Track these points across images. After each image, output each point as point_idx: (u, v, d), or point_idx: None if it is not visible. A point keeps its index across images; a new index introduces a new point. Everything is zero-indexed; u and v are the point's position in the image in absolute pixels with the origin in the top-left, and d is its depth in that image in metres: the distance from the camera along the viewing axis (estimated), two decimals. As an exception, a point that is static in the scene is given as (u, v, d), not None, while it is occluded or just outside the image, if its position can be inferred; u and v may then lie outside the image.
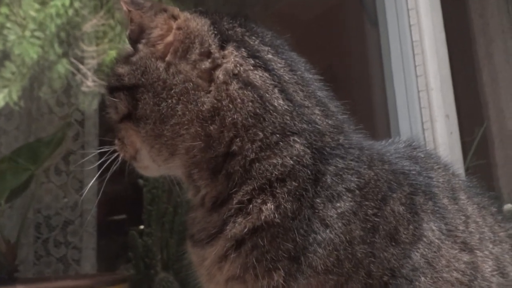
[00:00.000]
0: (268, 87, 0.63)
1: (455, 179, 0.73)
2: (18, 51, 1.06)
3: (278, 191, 0.60)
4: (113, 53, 1.14)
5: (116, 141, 0.70)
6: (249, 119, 0.61)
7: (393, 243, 0.60)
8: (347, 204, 0.60)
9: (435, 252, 0.62)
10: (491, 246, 0.67)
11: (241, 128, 0.61)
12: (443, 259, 0.62)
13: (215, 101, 0.62)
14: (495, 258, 0.66)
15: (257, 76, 0.63)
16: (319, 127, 0.63)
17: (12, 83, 1.09)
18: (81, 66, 1.20)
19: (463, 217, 0.67)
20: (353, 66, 2.15)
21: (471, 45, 2.16)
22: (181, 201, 1.39)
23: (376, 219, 0.60)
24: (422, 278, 0.60)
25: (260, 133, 0.61)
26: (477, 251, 0.65)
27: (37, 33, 1.07)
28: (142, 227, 1.61)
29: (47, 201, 1.53)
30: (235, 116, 0.61)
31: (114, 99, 0.66)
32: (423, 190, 0.66)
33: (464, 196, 0.70)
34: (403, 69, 1.53)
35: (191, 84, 0.63)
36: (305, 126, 0.63)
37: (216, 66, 0.63)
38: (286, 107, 0.63)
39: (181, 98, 0.62)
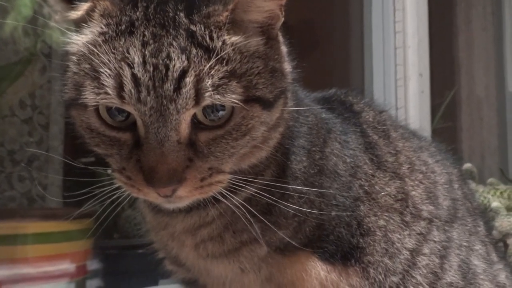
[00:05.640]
0: None
1: (389, 120, 0.77)
2: (-21, -30, 0.97)
3: (278, 155, 0.61)
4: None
5: (195, 172, 0.53)
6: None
7: (336, 178, 0.65)
8: (305, 157, 0.64)
9: (369, 181, 0.67)
10: (421, 176, 0.71)
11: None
12: (376, 186, 0.67)
13: None
14: (425, 187, 0.70)
15: None
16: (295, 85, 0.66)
17: (-31, 7, 1.01)
18: (49, -2, 1.12)
19: (393, 151, 0.72)
20: (334, 21, 2.12)
21: (452, 8, 2.16)
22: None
23: (321, 162, 0.65)
24: (361, 207, 0.65)
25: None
26: (407, 179, 0.70)
27: (2, -48, 0.99)
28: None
29: (11, 135, 1.48)
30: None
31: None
32: (354, 128, 0.72)
33: (395, 134, 0.75)
34: (383, 25, 1.52)
35: None
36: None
37: None
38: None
39: None
